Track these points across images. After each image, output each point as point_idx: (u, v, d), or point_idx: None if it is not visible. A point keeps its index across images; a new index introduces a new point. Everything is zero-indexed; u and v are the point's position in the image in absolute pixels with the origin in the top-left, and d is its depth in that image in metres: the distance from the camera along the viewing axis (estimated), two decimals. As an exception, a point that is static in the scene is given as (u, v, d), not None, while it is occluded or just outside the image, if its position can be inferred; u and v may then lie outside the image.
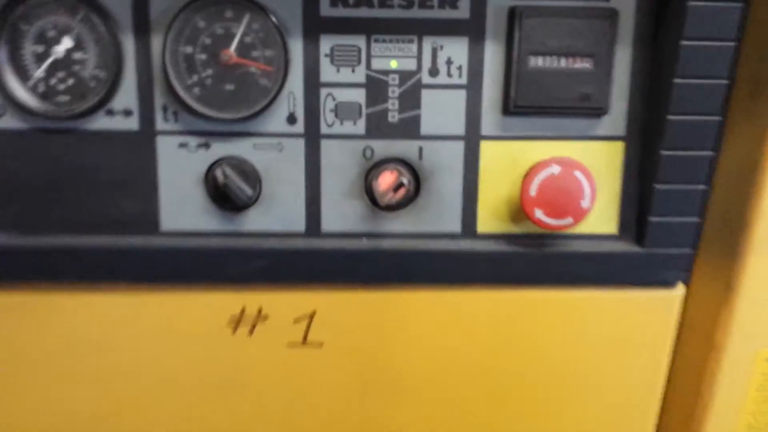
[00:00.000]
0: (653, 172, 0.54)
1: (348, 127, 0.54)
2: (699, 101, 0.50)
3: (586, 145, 0.55)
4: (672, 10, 0.51)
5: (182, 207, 0.55)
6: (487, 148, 0.55)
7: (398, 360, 0.58)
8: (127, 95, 0.53)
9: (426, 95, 0.54)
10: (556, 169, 0.53)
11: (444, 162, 0.55)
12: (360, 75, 0.54)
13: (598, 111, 0.54)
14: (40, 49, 0.52)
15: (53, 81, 0.53)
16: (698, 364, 0.59)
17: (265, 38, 0.52)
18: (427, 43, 0.53)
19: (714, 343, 0.57)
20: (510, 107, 0.53)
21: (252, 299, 0.56)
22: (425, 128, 0.55)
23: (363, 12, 0.52)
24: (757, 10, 0.50)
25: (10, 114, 0.53)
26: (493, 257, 0.56)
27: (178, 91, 0.53)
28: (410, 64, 0.53)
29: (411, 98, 0.54)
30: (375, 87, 0.54)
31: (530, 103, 0.53)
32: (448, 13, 0.53)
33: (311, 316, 0.56)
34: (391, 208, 0.55)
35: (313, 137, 0.55)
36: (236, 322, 0.56)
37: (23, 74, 0.52)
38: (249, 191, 0.54)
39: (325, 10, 0.52)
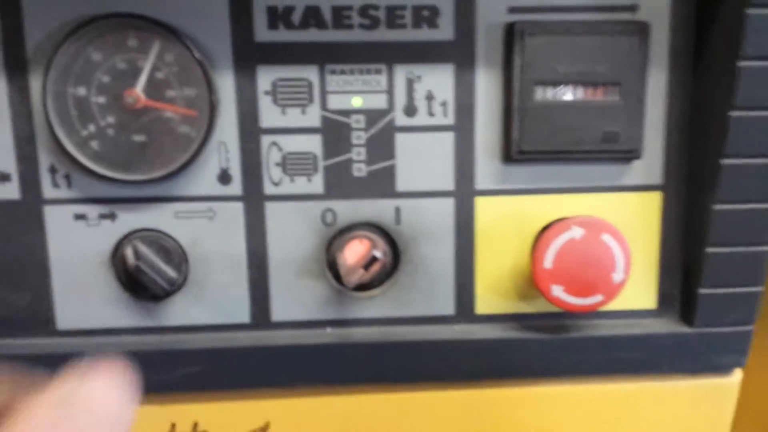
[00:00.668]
0: (702, 230, 0.43)
1: (301, 185, 0.42)
2: (763, 138, 0.40)
3: (614, 199, 0.44)
4: (722, 20, 0.39)
5: (83, 298, 0.43)
6: (484, 206, 0.44)
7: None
8: (1, 154, 0.40)
9: (402, 140, 0.42)
10: (577, 232, 0.41)
11: (429, 225, 0.44)
12: (313, 117, 0.41)
13: (628, 154, 0.42)
14: None
15: None
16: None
17: (183, 73, 0.40)
18: (400, 74, 0.41)
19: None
20: (512, 153, 0.41)
21: (183, 413, 0.45)
22: (402, 183, 0.43)
23: (313, 35, 0.40)
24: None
25: None
26: (497, 345, 0.45)
27: (68, 147, 0.40)
28: (379, 101, 0.41)
29: (382, 145, 0.42)
30: (334, 132, 0.42)
31: (538, 147, 0.42)
32: (425, 34, 0.40)
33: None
34: (363, 287, 0.43)
35: (254, 200, 0.42)
36: (164, 445, 0.43)
37: None
38: (171, 274, 0.42)
39: (262, 33, 0.40)
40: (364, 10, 0.40)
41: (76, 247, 0.42)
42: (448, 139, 0.43)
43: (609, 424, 0.47)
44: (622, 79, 0.41)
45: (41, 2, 0.39)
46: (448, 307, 0.45)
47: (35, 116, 0.41)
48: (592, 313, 0.46)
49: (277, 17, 0.40)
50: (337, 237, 0.43)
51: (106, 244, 0.42)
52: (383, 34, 0.41)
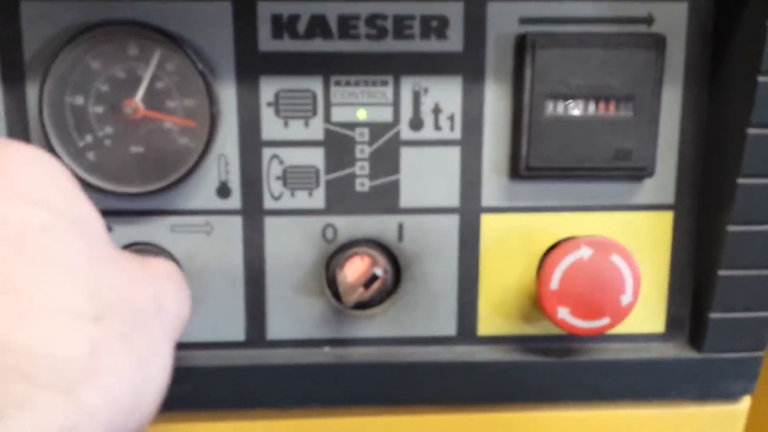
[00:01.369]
0: (715, 252, 0.42)
1: (301, 200, 0.41)
2: (781, 159, 0.38)
3: (624, 218, 0.43)
4: (741, 33, 0.38)
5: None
6: (489, 224, 0.42)
7: None
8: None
9: (407, 155, 0.41)
10: (586, 252, 0.39)
11: (432, 243, 0.42)
12: (316, 130, 0.40)
13: (640, 172, 0.41)
14: None
15: None
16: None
17: (184, 83, 0.38)
18: (407, 86, 0.40)
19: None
20: (520, 169, 0.40)
21: (175, 433, 0.42)
22: (406, 199, 0.41)
23: (318, 45, 0.38)
24: None
25: None
26: (499, 368, 0.43)
27: (63, 158, 0.39)
28: (384, 114, 0.40)
29: (386, 159, 0.41)
30: (337, 145, 0.40)
31: (548, 163, 0.40)
32: (434, 45, 0.39)
33: (258, 454, 0.44)
34: (363, 306, 0.42)
35: (253, 214, 0.41)
36: (154, 467, 0.42)
37: None
38: None
39: (266, 43, 0.39)
40: (371, 20, 0.39)
41: (69, 259, 0.41)
42: (454, 153, 0.41)
43: (616, 450, 0.46)
44: (636, 94, 0.40)
45: (40, 8, 0.38)
46: (449, 328, 0.44)
47: (31, 125, 0.39)
48: (598, 336, 0.44)
49: (282, 26, 0.39)
50: (337, 253, 0.42)
51: (100, 256, 0.41)
52: (390, 45, 0.40)
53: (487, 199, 0.42)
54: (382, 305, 0.43)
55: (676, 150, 0.42)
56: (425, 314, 0.43)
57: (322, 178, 0.41)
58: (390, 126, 0.41)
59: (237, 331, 0.43)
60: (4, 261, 0.20)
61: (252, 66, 0.39)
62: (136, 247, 0.41)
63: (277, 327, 0.43)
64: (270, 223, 0.42)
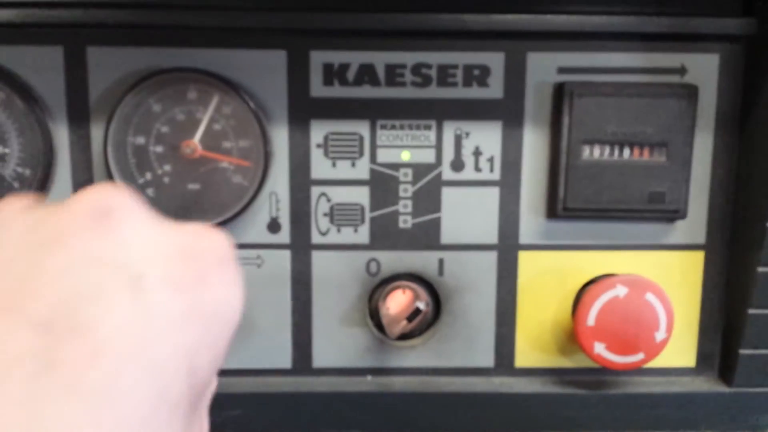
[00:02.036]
0: (744, 291, 0.43)
1: (347, 235, 0.43)
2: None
3: (657, 257, 0.44)
4: (772, 86, 0.39)
5: None
6: (527, 260, 0.43)
7: None
8: (59, 199, 0.41)
9: (448, 194, 0.42)
10: (621, 291, 0.41)
11: (472, 278, 0.44)
12: (362, 170, 0.42)
13: (673, 214, 0.42)
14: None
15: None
16: None
17: (240, 125, 0.40)
18: (449, 130, 0.41)
19: None
20: (557, 209, 0.42)
21: (223, 455, 0.43)
22: (447, 236, 0.43)
23: (366, 91, 0.41)
24: None
25: None
26: (536, 399, 0.45)
27: (125, 194, 0.40)
28: (427, 156, 0.41)
29: (428, 198, 0.42)
30: (381, 184, 0.42)
31: (584, 205, 0.42)
32: (475, 92, 0.41)
33: (301, 479, 0.44)
34: (404, 336, 0.43)
35: (301, 248, 0.43)
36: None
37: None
38: None
39: (317, 89, 0.41)
40: (416, 69, 0.41)
41: (127, 289, 0.43)
42: (493, 193, 0.43)
43: (645, 480, 0.47)
44: (669, 140, 0.41)
45: (105, 55, 0.41)
46: (488, 359, 0.45)
47: (94, 162, 0.42)
48: (632, 370, 0.45)
49: (333, 74, 0.41)
50: (380, 286, 0.44)
51: (156, 287, 0.43)
52: (434, 92, 0.42)
53: (524, 237, 0.44)
54: (422, 336, 0.45)
55: (707, 193, 0.43)
56: (464, 346, 0.45)
57: (367, 215, 0.43)
58: (432, 167, 0.43)
59: (284, 359, 0.45)
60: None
61: (304, 110, 0.42)
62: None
63: (322, 356, 0.45)
64: (317, 257, 0.44)
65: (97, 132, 0.41)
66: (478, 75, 0.41)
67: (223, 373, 0.44)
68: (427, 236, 0.43)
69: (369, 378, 0.45)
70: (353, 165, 0.42)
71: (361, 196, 0.43)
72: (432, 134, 0.42)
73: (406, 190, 0.43)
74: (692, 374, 0.46)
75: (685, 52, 0.41)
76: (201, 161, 0.41)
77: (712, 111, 0.42)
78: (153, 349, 0.20)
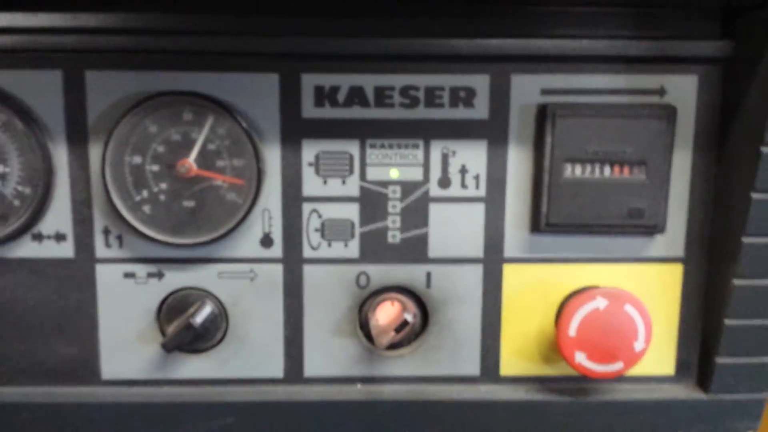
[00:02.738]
0: (721, 303, 0.44)
1: (337, 250, 0.44)
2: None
3: (637, 269, 0.45)
4: (746, 106, 0.41)
5: (127, 350, 0.45)
6: (511, 273, 0.45)
7: None
8: (58, 216, 0.43)
9: (435, 210, 0.44)
10: (601, 303, 0.42)
11: (458, 290, 0.45)
12: (352, 187, 0.43)
13: (652, 229, 0.44)
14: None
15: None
16: None
17: (234, 145, 0.42)
18: (436, 149, 0.43)
19: None
20: (540, 224, 0.43)
21: (219, 461, 0.44)
22: (434, 250, 0.44)
23: (355, 112, 0.42)
24: None
25: None
26: (520, 406, 0.46)
27: (122, 211, 0.42)
28: (415, 174, 0.43)
29: (416, 214, 0.44)
30: (371, 201, 0.43)
31: (566, 220, 0.43)
32: (461, 113, 0.42)
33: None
34: (393, 346, 0.45)
35: (293, 263, 0.44)
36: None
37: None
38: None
39: (309, 110, 0.42)
40: (405, 90, 0.43)
41: (124, 303, 0.45)
42: (479, 209, 0.45)
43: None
44: (648, 158, 0.43)
45: (104, 78, 0.42)
46: (474, 368, 0.47)
47: (93, 182, 0.43)
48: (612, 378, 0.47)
49: (324, 96, 0.42)
50: (369, 299, 0.45)
51: (153, 301, 0.45)
52: (422, 112, 0.43)
53: (509, 251, 0.45)
54: (410, 346, 0.46)
55: (685, 209, 0.45)
56: (451, 355, 0.47)
57: (357, 230, 0.45)
58: (420, 184, 0.44)
59: (276, 369, 0.46)
60: None
61: (295, 130, 0.43)
62: (185, 291, 0.44)
63: (313, 365, 0.46)
64: (308, 271, 0.45)
65: (95, 152, 0.43)
66: (464, 96, 0.43)
67: (217, 382, 0.46)
68: (415, 250, 0.45)
69: (359, 386, 0.47)
70: (343, 182, 0.44)
71: (351, 212, 0.44)
72: (420, 153, 0.44)
73: (394, 207, 0.44)
74: (671, 382, 0.48)
75: (665, 73, 0.43)
76: (196, 179, 0.43)
77: (691, 130, 0.43)
78: None
